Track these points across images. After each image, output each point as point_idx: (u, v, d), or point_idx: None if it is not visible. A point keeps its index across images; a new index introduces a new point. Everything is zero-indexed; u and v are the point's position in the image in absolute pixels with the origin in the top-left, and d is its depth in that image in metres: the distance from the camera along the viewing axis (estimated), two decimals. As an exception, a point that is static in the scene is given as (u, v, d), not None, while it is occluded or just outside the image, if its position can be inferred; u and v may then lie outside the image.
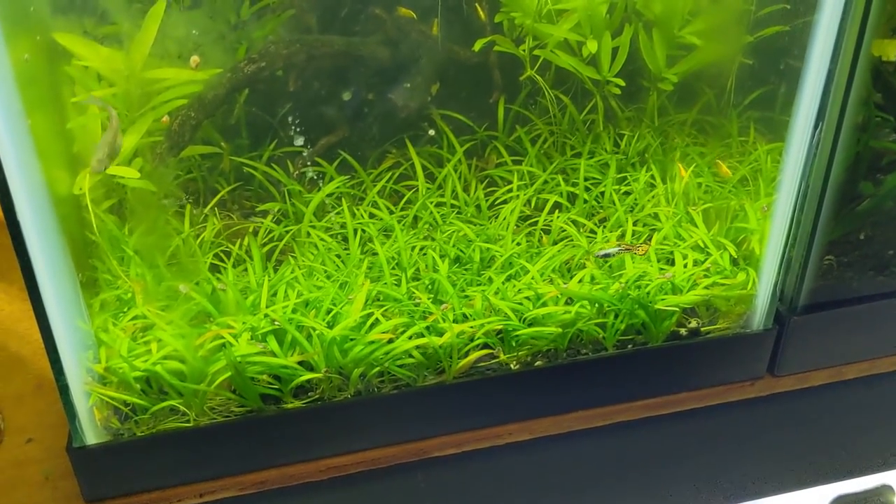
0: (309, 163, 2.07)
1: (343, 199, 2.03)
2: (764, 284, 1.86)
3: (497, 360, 1.78)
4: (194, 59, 1.61)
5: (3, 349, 2.04)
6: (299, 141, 2.11)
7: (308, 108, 2.10)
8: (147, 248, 1.78)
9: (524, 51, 2.21)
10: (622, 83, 2.17)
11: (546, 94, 2.25)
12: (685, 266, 1.85)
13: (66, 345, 1.53)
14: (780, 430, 2.01)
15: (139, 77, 1.78)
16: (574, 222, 2.03)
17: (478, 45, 2.12)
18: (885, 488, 2.18)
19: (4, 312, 2.16)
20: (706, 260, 1.87)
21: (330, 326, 1.67)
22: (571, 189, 2.13)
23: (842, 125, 1.70)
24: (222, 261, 1.88)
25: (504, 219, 2.04)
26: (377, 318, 1.70)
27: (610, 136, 2.29)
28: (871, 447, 2.07)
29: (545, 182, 2.16)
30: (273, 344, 1.64)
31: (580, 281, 1.82)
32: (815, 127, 1.66)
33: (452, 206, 2.11)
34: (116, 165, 1.81)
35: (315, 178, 2.10)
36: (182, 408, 1.63)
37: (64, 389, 1.53)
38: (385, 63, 2.07)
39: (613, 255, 1.77)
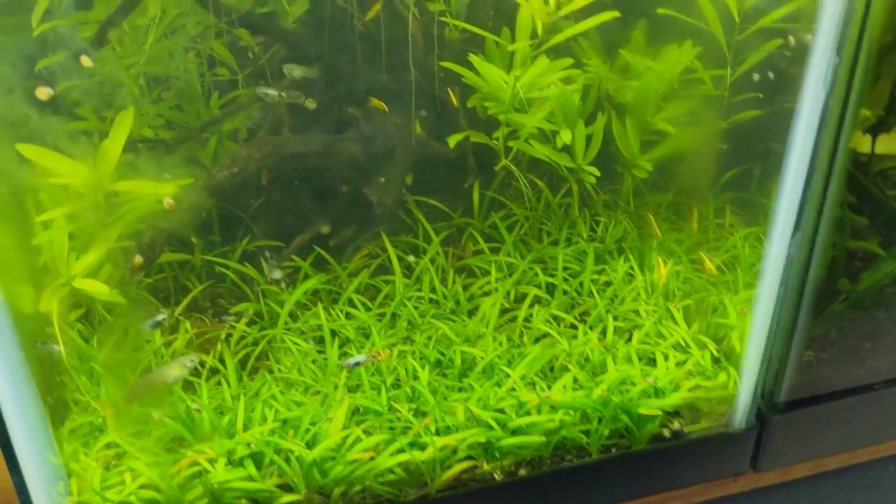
0: (284, 261, 2.04)
1: (318, 301, 2.00)
2: (745, 383, 1.86)
3: (480, 470, 1.75)
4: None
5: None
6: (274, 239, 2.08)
7: (282, 206, 2.07)
8: (118, 364, 1.74)
9: (496, 139, 2.20)
10: (597, 172, 2.16)
11: (521, 181, 2.24)
12: (667, 368, 1.84)
13: (36, 480, 1.48)
14: (764, 523, 2.00)
15: (107, 189, 1.73)
16: (554, 318, 2.01)
17: (453, 141, 2.10)
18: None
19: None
20: (687, 360, 1.85)
21: (309, 446, 1.63)
22: (550, 279, 2.11)
23: (819, 229, 1.70)
24: (196, 373, 1.84)
25: (483, 315, 2.01)
26: (358, 437, 1.66)
27: (586, 221, 2.28)
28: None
29: (523, 272, 2.14)
30: (251, 468, 1.60)
31: (563, 385, 1.80)
32: (793, 236, 1.66)
33: (431, 300, 2.08)
34: (84, 278, 1.77)
35: (290, 276, 2.07)
36: (158, 538, 1.57)
37: (34, 529, 1.48)
38: (359, 159, 2.04)
39: (362, 363, 1.78)
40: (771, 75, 1.99)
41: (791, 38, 1.86)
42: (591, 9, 2.00)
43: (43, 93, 1.54)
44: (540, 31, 1.99)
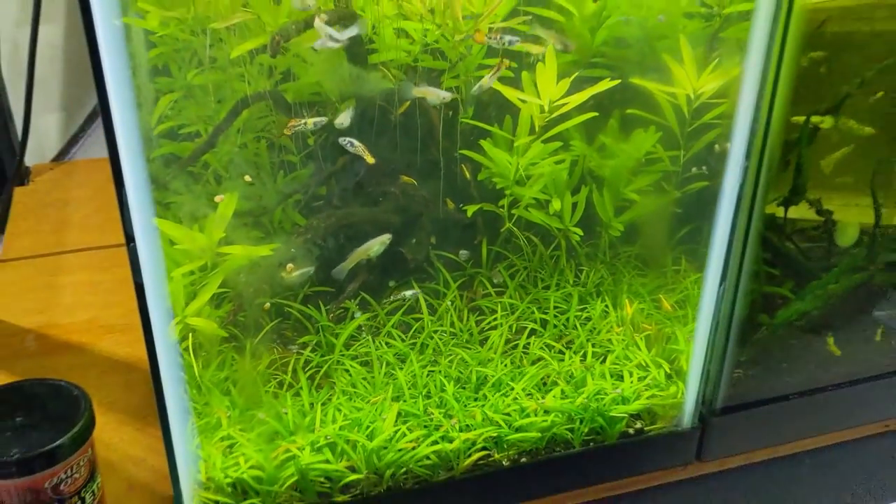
0: (340, 303, 2.66)
1: (365, 332, 2.62)
2: (690, 394, 2.47)
3: (493, 458, 2.36)
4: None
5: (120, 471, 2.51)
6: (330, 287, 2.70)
7: (336, 263, 2.69)
8: (221, 382, 2.34)
9: (502, 206, 2.83)
10: (581, 232, 2.79)
11: (521, 239, 2.86)
12: (631, 382, 2.45)
13: (182, 464, 2.08)
14: (706, 502, 2.60)
15: (214, 252, 2.35)
16: (547, 346, 2.63)
17: (470, 211, 2.73)
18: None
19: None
20: (647, 376, 2.47)
21: (369, 438, 2.23)
22: (543, 316, 2.73)
23: (741, 277, 2.33)
24: (279, 386, 2.45)
25: (492, 344, 2.63)
26: (404, 432, 2.27)
27: (572, 269, 2.91)
28: (779, 514, 2.67)
29: (523, 312, 2.76)
30: (328, 454, 2.20)
31: (554, 396, 2.42)
32: (720, 285, 2.29)
33: (451, 333, 2.70)
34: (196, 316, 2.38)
35: (340, 316, 2.69)
36: (260, 505, 2.17)
37: (178, 496, 2.07)
38: (396, 225, 2.67)
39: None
40: (711, 157, 2.63)
41: (716, 146, 2.49)
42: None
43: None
44: (537, 127, 2.62)
